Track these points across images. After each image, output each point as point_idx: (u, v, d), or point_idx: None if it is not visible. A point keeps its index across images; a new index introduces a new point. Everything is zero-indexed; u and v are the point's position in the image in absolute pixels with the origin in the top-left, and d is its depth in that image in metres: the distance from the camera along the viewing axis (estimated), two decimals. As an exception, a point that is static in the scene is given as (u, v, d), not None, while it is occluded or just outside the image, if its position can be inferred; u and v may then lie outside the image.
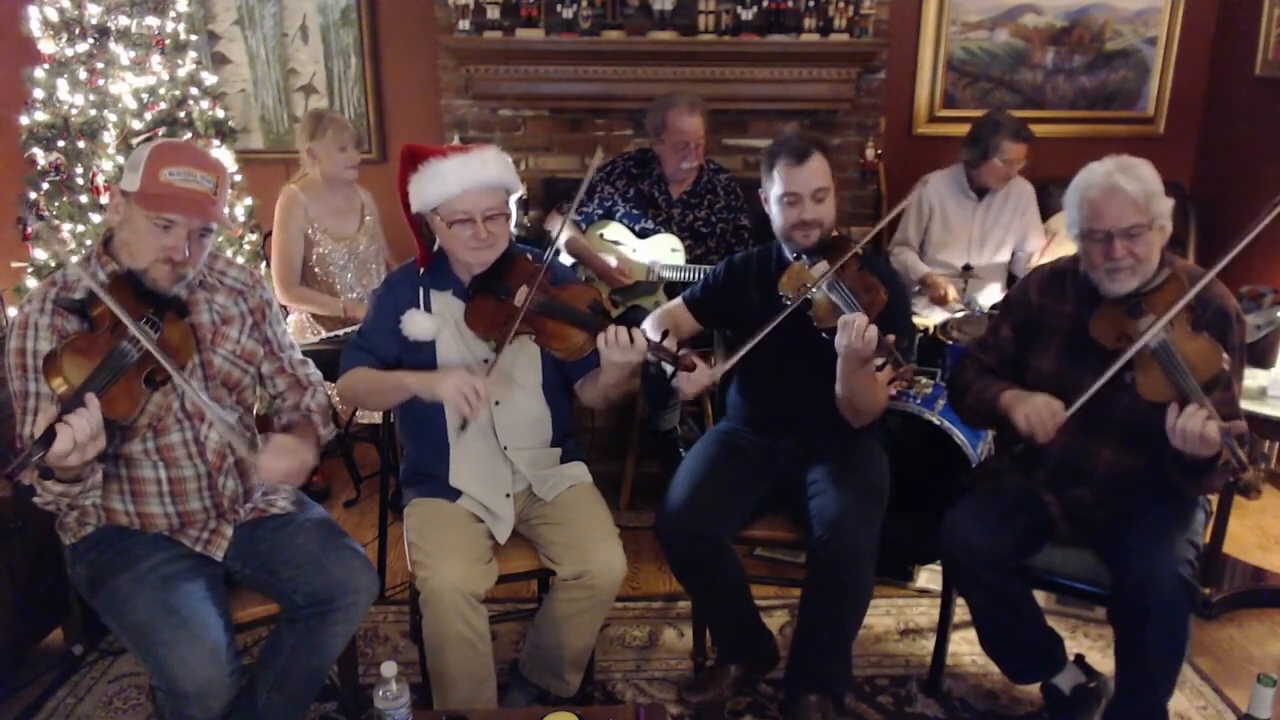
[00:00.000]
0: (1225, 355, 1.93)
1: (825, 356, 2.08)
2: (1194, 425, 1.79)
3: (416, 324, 2.11)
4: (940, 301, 3.38)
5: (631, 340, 1.94)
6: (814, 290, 2.12)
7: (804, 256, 2.22)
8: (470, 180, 2.00)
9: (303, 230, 3.23)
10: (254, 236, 3.54)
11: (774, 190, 2.24)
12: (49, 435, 1.50)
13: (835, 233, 2.29)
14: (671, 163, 3.25)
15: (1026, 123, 3.34)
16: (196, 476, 1.91)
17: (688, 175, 3.31)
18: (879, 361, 1.93)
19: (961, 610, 2.33)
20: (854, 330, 1.96)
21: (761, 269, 2.36)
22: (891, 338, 1.93)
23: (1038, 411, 2.00)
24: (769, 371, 2.29)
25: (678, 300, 2.49)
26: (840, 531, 2.10)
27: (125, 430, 1.82)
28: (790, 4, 3.65)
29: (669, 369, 2.02)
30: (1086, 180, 2.03)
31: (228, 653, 1.76)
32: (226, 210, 1.90)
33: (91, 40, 3.10)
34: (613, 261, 3.25)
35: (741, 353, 2.13)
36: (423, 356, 2.13)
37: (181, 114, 3.25)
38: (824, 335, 2.05)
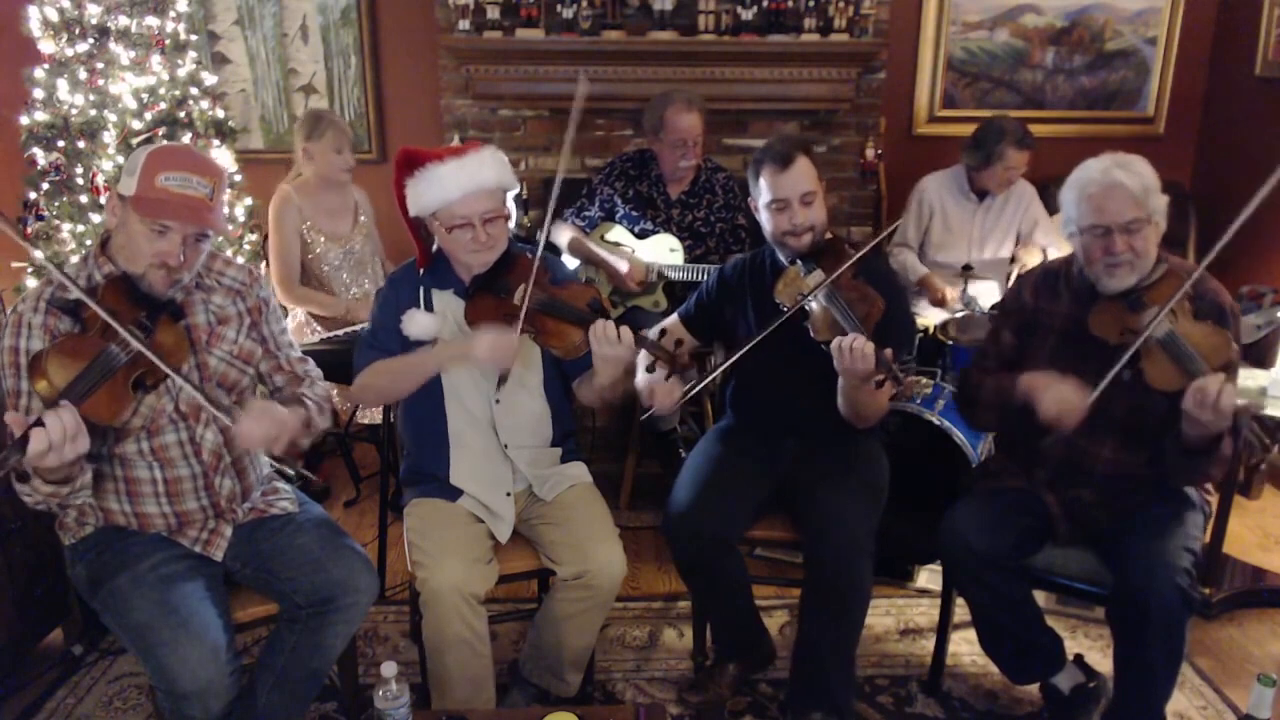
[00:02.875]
0: (1234, 344, 1.93)
1: (824, 359, 2.07)
2: (1212, 386, 1.78)
3: (417, 323, 2.11)
4: (939, 304, 3.39)
5: (620, 336, 1.93)
6: (809, 301, 2.11)
7: (798, 262, 2.21)
8: (468, 185, 2.00)
9: (297, 230, 3.22)
10: (254, 236, 3.54)
11: (762, 198, 2.22)
12: (24, 438, 1.50)
13: (829, 234, 2.27)
14: (669, 161, 3.25)
15: (1027, 124, 3.34)
16: (192, 476, 1.90)
17: (686, 174, 3.31)
18: (879, 378, 1.91)
19: (961, 610, 2.33)
20: (851, 351, 1.94)
21: (755, 277, 2.35)
22: (889, 353, 1.91)
23: (1064, 401, 1.97)
24: (769, 374, 2.29)
25: (673, 317, 2.49)
26: (837, 532, 2.10)
27: (118, 432, 1.81)
28: (790, 4, 3.65)
29: (646, 360, 2.00)
30: (1085, 177, 2.03)
31: (227, 653, 1.76)
32: (226, 210, 1.89)
33: (91, 40, 3.10)
34: (624, 266, 3.24)
35: (729, 362, 2.12)
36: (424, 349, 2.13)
37: (181, 114, 3.25)
38: (822, 347, 2.04)
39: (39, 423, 1.51)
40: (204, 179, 1.78)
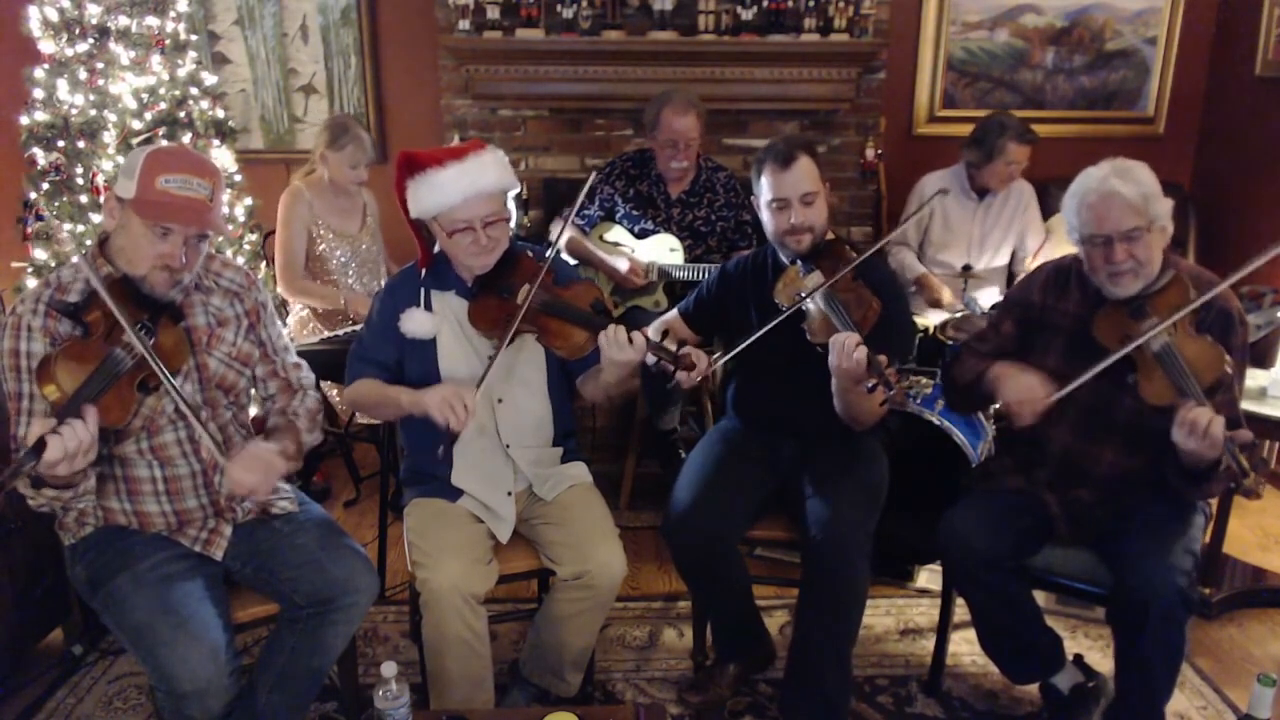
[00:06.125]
0: (1228, 359, 1.93)
1: (824, 360, 2.07)
2: (1201, 419, 1.79)
3: (415, 321, 2.11)
4: (935, 304, 3.39)
5: (631, 340, 1.94)
6: (807, 302, 2.11)
7: (799, 262, 2.21)
8: (468, 190, 2.00)
9: (306, 226, 3.24)
10: (254, 236, 3.54)
11: (763, 196, 2.22)
12: (40, 445, 1.50)
13: (830, 235, 2.26)
14: (662, 161, 3.26)
15: (1028, 123, 3.34)
16: (191, 475, 1.91)
17: (683, 174, 3.31)
18: (870, 383, 1.91)
19: (961, 610, 2.33)
20: (843, 352, 1.94)
21: (756, 276, 2.35)
22: (883, 359, 1.90)
23: (1024, 391, 2.00)
24: (769, 374, 2.29)
25: (673, 313, 2.49)
26: (833, 531, 2.10)
27: (118, 432, 1.81)
28: (790, 4, 3.65)
29: (669, 368, 2.02)
30: (1083, 186, 2.03)
31: (227, 653, 1.76)
32: (225, 210, 1.89)
33: (91, 40, 3.10)
34: (623, 264, 3.24)
35: (739, 348, 2.12)
36: (425, 355, 2.14)
37: (181, 114, 3.24)
38: (818, 349, 2.04)
39: (54, 430, 1.51)
40: (204, 180, 1.78)
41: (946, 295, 3.37)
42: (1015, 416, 2.03)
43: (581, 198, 2.15)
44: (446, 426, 1.91)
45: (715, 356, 2.14)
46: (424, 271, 2.17)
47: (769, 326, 2.11)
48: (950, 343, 3.01)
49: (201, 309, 1.93)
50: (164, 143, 3.12)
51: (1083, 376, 1.95)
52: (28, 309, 1.76)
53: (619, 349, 1.94)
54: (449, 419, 1.91)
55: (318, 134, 3.31)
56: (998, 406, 2.17)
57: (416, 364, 2.15)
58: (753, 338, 2.11)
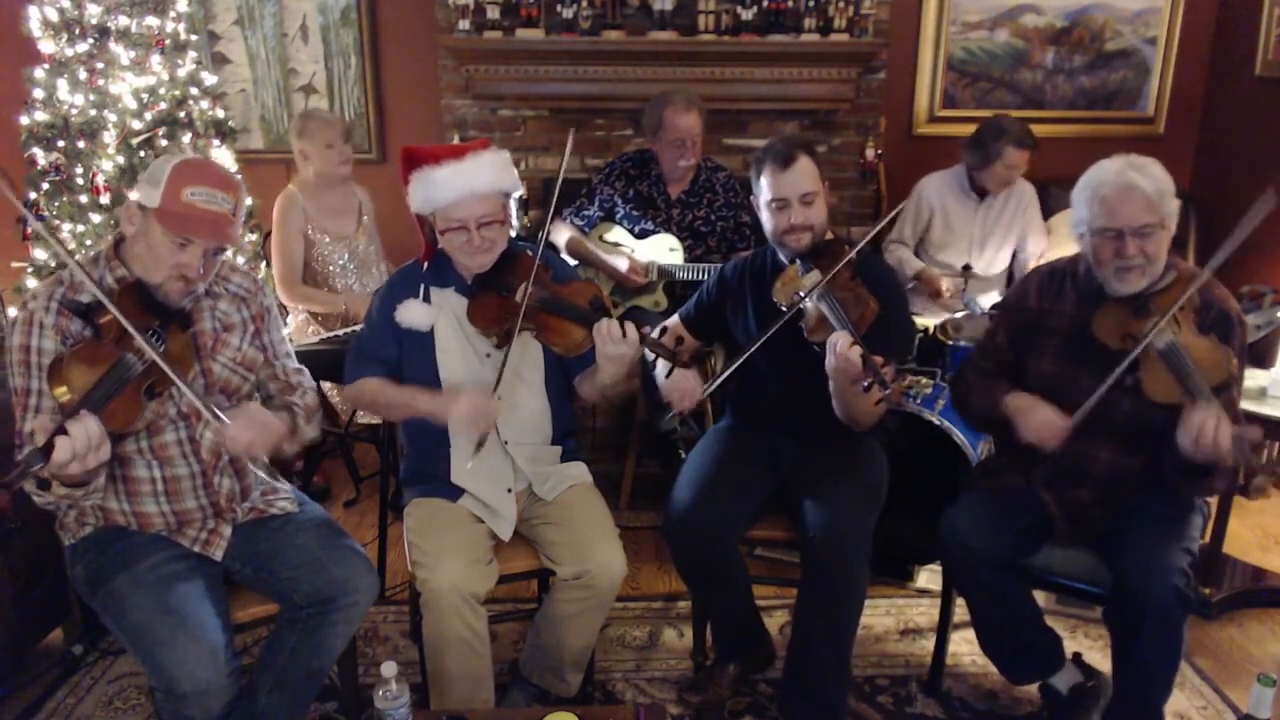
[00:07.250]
0: (1234, 360, 1.93)
1: (823, 359, 2.06)
2: (1208, 427, 1.79)
3: (412, 311, 2.12)
4: (936, 296, 3.38)
5: (624, 334, 1.94)
6: (805, 301, 2.11)
7: (798, 261, 2.21)
8: (463, 190, 2.00)
9: (301, 230, 3.23)
10: (254, 236, 3.54)
11: (763, 196, 2.22)
12: (48, 446, 1.50)
13: (830, 235, 2.26)
14: (668, 161, 3.25)
15: (1028, 125, 3.34)
16: (191, 475, 1.91)
17: (685, 174, 3.31)
18: (865, 382, 1.91)
19: (961, 610, 2.33)
20: (838, 353, 1.94)
21: (755, 277, 2.35)
22: (879, 359, 1.90)
23: (1042, 427, 2.02)
24: (769, 374, 2.29)
25: (674, 317, 2.49)
26: (832, 530, 2.10)
27: (121, 434, 1.81)
28: (790, 4, 3.65)
29: (665, 366, 2.01)
30: (1099, 178, 2.01)
31: (226, 653, 1.76)
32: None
33: (91, 40, 3.10)
34: (623, 264, 3.24)
35: (733, 367, 2.13)
36: (423, 348, 2.14)
37: (181, 114, 3.25)
38: (815, 348, 2.04)
39: (63, 430, 1.51)
40: (228, 195, 1.79)
41: (945, 284, 3.36)
42: (1040, 447, 2.04)
43: (559, 184, 2.11)
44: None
45: (706, 386, 2.15)
46: (426, 266, 2.18)
47: (766, 336, 2.10)
48: (951, 343, 3.01)
49: (209, 314, 1.94)
50: (163, 143, 3.14)
51: (1095, 394, 1.94)
52: (40, 305, 1.76)
53: (613, 343, 1.94)
54: (476, 428, 2.00)
55: (291, 139, 3.30)
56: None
57: (415, 361, 2.15)
58: (757, 344, 2.10)
